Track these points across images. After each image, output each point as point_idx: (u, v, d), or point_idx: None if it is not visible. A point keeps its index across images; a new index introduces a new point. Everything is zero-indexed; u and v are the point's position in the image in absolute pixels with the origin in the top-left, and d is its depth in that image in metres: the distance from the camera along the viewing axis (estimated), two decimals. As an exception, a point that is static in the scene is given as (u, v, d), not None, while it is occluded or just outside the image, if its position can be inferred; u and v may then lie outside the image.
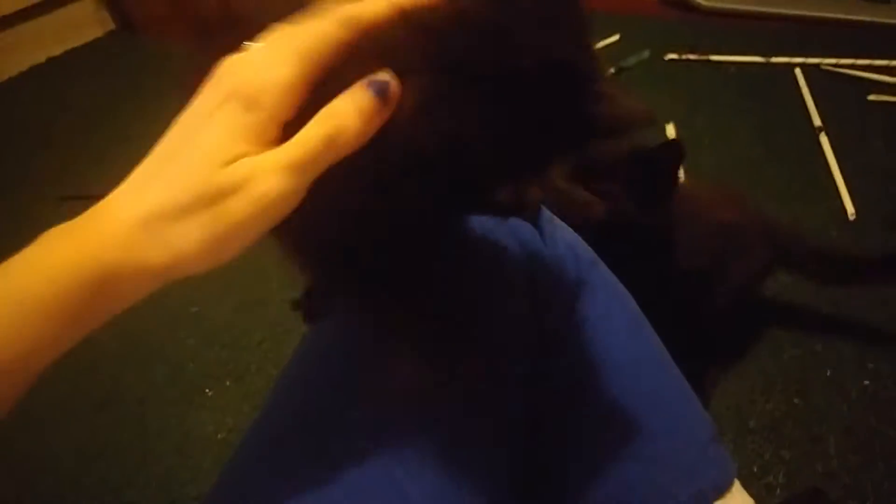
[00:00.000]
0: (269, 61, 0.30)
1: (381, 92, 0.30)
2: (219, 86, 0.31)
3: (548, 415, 0.47)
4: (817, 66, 1.38)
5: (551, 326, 0.47)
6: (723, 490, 0.46)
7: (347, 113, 0.30)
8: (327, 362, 0.45)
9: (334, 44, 0.30)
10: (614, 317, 0.49)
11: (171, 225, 0.29)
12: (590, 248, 0.51)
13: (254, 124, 0.30)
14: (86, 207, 0.31)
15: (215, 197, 0.29)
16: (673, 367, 0.50)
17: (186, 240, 0.30)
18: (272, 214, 0.30)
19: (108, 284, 0.30)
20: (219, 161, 0.30)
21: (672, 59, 1.49)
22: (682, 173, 0.77)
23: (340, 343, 0.46)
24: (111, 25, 2.07)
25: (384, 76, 0.30)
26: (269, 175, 0.29)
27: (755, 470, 0.72)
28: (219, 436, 0.85)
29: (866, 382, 0.80)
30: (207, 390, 0.92)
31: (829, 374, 0.82)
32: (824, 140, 1.20)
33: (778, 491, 0.70)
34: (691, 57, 1.49)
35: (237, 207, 0.29)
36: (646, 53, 1.50)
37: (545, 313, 0.47)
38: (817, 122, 1.24)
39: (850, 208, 1.06)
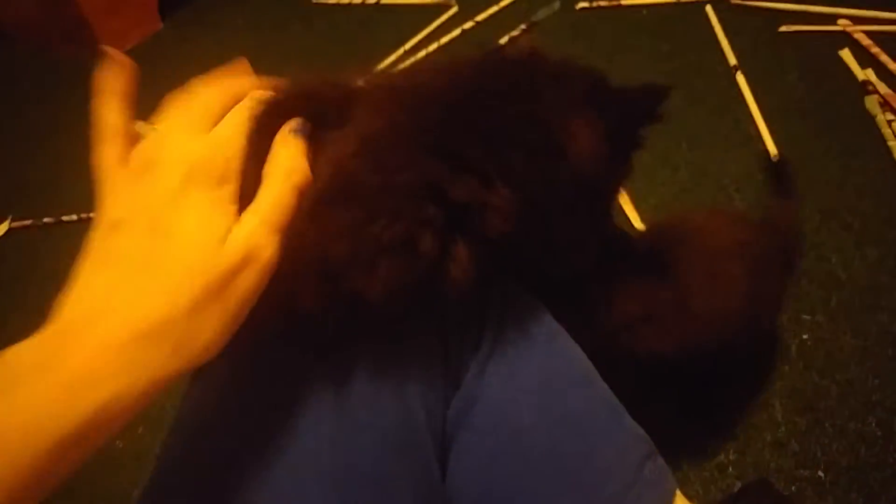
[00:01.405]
0: (222, 137, 0.33)
1: (303, 132, 0.35)
2: (167, 173, 0.31)
3: (455, 447, 0.42)
4: (726, 0, 1.35)
5: (455, 352, 0.41)
6: None
7: (293, 158, 0.34)
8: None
9: (253, 115, 0.35)
10: (525, 335, 0.43)
11: (183, 328, 0.29)
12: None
13: (229, 195, 0.32)
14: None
15: (226, 278, 0.30)
16: (596, 383, 0.45)
17: (205, 334, 0.29)
18: (269, 275, 0.32)
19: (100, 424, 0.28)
20: (214, 242, 0.30)
21: (584, 8, 1.43)
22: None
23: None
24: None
25: (296, 121, 0.35)
26: (269, 237, 0.31)
27: (707, 450, 0.70)
28: (134, 493, 0.77)
29: (805, 336, 0.79)
30: (118, 442, 0.83)
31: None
32: (741, 79, 1.17)
33: (730, 469, 0.68)
34: (602, 4, 1.42)
35: (247, 280, 0.31)
36: (556, 5, 1.43)
37: (445, 336, 0.41)
38: (732, 60, 1.21)
39: (773, 150, 1.04)
